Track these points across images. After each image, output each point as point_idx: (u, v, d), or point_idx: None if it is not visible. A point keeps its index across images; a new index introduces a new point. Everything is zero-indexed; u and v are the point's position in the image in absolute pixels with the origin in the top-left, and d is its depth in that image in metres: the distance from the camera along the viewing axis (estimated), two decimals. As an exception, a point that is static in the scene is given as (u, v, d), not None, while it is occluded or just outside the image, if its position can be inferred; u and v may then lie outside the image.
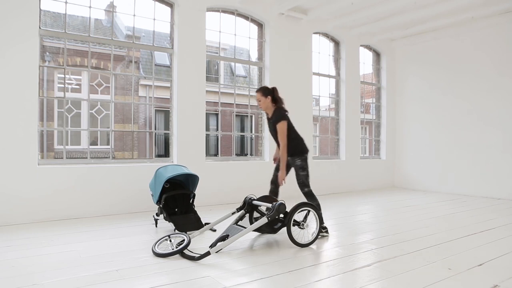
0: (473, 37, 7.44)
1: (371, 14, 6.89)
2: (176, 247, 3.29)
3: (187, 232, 4.00)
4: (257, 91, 4.12)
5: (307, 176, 4.03)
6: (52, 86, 13.23)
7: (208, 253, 3.15)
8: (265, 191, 4.26)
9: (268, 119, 4.19)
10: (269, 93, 4.07)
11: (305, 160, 4.04)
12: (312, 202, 3.90)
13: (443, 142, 7.94)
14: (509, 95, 6.95)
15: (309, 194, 4.01)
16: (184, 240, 3.38)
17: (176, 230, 4.02)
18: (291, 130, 4.02)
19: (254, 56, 7.46)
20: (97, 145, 14.00)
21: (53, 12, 10.69)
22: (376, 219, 5.12)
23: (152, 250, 3.30)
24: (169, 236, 3.50)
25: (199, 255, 3.13)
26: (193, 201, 4.40)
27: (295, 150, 4.02)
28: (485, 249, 3.58)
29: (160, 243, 3.43)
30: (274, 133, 4.10)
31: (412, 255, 3.34)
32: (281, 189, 4.26)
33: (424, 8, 6.54)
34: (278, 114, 4.00)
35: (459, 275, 2.84)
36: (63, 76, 13.03)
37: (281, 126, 3.94)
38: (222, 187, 6.12)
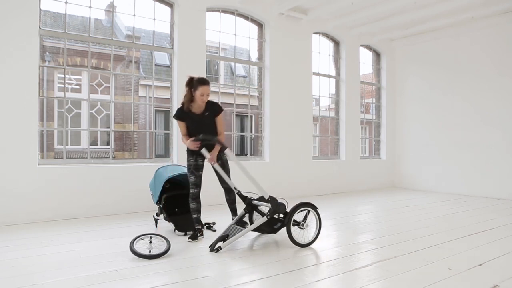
0: (473, 37, 7.44)
1: (371, 14, 6.89)
2: (151, 252, 3.22)
3: (187, 233, 4.01)
4: (207, 84, 3.74)
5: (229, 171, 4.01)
6: (52, 86, 13.23)
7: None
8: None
9: (197, 115, 3.83)
10: None
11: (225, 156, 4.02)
12: (230, 196, 4.01)
13: (443, 142, 7.94)
14: (509, 95, 6.95)
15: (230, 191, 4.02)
16: (164, 246, 3.30)
17: (176, 231, 4.02)
18: None
19: (254, 56, 7.46)
20: (97, 145, 14.00)
21: (53, 12, 10.69)
22: (376, 219, 5.12)
23: (130, 245, 3.22)
24: (150, 237, 3.40)
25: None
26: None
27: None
28: (485, 249, 3.58)
29: (140, 240, 3.35)
30: (210, 126, 3.86)
31: (412, 255, 3.34)
32: (281, 189, 4.26)
33: (424, 8, 6.54)
34: (215, 104, 3.94)
35: (459, 275, 2.84)
36: (63, 76, 13.03)
37: (222, 117, 3.97)
38: (221, 187, 6.10)
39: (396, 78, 8.94)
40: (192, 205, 3.89)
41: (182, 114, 3.86)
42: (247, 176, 3.59)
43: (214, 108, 3.91)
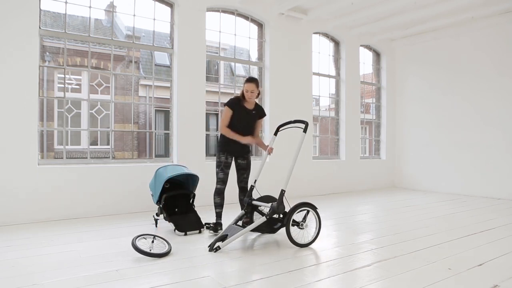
0: (473, 37, 7.44)
1: (371, 14, 6.89)
2: (151, 250, 3.23)
3: (187, 233, 4.01)
4: (253, 82, 4.07)
5: (217, 173, 4.18)
6: (52, 86, 13.23)
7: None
8: (265, 191, 4.26)
9: (248, 110, 4.15)
10: (259, 85, 4.17)
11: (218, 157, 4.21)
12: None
13: (443, 142, 7.94)
14: (509, 95, 6.95)
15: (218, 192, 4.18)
16: (165, 248, 3.31)
17: (176, 231, 4.02)
18: None
19: (254, 56, 7.46)
20: (97, 145, 14.00)
21: (53, 12, 10.68)
22: (376, 219, 5.12)
23: (133, 241, 3.23)
24: (154, 237, 3.41)
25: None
26: (193, 201, 4.40)
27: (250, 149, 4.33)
28: (485, 249, 3.58)
29: (142, 238, 3.37)
30: (251, 124, 4.19)
31: (412, 255, 3.34)
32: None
33: (424, 8, 6.54)
34: (263, 109, 4.31)
35: (459, 275, 2.84)
36: (63, 76, 13.03)
37: (262, 122, 4.39)
38: (222, 187, 6.11)
39: (396, 78, 8.94)
40: (216, 199, 4.15)
41: (235, 104, 4.13)
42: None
43: (261, 111, 4.28)
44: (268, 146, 4.06)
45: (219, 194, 4.15)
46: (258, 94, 4.14)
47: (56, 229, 4.21)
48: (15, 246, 3.53)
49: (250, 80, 4.09)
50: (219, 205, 4.16)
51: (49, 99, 12.58)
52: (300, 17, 6.99)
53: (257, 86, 4.08)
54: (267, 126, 6.83)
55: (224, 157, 4.13)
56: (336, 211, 5.69)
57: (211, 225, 4.24)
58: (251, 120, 4.18)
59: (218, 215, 4.16)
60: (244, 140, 4.04)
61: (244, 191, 4.18)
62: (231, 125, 4.10)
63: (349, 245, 3.71)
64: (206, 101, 6.09)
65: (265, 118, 4.45)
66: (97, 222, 4.64)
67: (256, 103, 4.24)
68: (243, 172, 4.23)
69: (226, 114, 4.08)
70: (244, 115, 4.13)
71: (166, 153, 5.95)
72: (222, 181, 4.15)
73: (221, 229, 4.02)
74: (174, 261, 3.13)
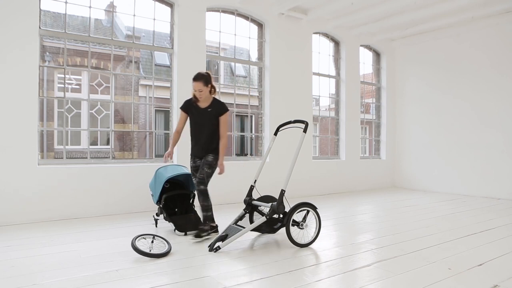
0: (473, 37, 7.45)
1: (371, 14, 6.89)
2: (151, 250, 3.23)
3: (187, 233, 4.01)
4: (196, 80, 3.79)
5: (210, 174, 3.89)
6: (52, 86, 13.23)
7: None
8: (265, 191, 4.26)
9: (201, 109, 3.91)
10: (210, 81, 3.86)
11: (216, 159, 3.91)
12: (204, 202, 3.79)
13: (443, 142, 7.94)
14: (509, 96, 6.95)
15: (204, 193, 3.81)
16: (165, 248, 3.32)
17: (176, 231, 4.02)
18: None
19: (254, 56, 7.46)
20: (97, 145, 14.00)
21: (53, 12, 10.68)
22: (376, 219, 5.12)
23: (132, 241, 3.23)
24: (153, 237, 3.42)
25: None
26: (193, 201, 4.40)
27: (216, 147, 3.92)
28: (485, 249, 3.58)
29: (142, 238, 3.38)
30: (209, 124, 3.89)
31: (412, 255, 3.34)
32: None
33: (424, 8, 6.54)
34: (221, 104, 3.96)
35: (459, 275, 2.84)
36: (63, 76, 13.03)
37: (226, 118, 3.94)
38: (222, 187, 6.11)
39: (396, 78, 8.94)
40: (199, 201, 3.87)
41: (187, 105, 4.00)
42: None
43: (219, 107, 3.93)
44: (220, 164, 3.85)
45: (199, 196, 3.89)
46: (212, 89, 3.88)
47: (56, 229, 4.21)
48: (15, 246, 3.53)
49: (196, 78, 3.81)
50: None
51: (49, 99, 12.58)
52: (300, 17, 6.99)
53: (206, 83, 3.80)
54: (267, 126, 6.83)
55: (192, 161, 4.07)
56: (336, 211, 5.69)
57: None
58: (207, 120, 3.89)
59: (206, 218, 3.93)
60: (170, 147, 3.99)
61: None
62: (190, 126, 4.00)
63: (349, 245, 3.71)
64: (206, 101, 6.08)
65: (226, 114, 3.93)
66: (97, 222, 4.64)
67: (214, 99, 3.96)
68: (201, 167, 3.89)
69: (180, 117, 4.03)
70: (198, 116, 3.92)
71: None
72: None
73: (207, 234, 3.80)
74: (174, 261, 3.13)
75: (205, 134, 3.92)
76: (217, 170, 3.91)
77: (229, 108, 4.02)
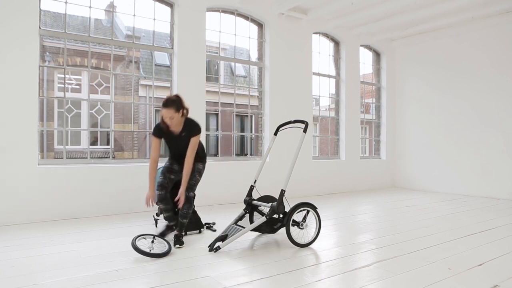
0: (473, 37, 7.45)
1: (371, 14, 6.89)
2: (151, 250, 3.23)
3: (187, 233, 4.01)
4: (166, 107, 3.44)
5: (199, 182, 3.81)
6: (52, 86, 13.24)
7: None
8: (265, 191, 4.26)
9: (174, 135, 3.65)
10: (181, 105, 3.55)
11: (204, 167, 3.91)
12: (188, 210, 3.65)
13: (443, 142, 7.95)
14: (509, 96, 6.95)
15: (191, 201, 3.68)
16: (165, 248, 3.32)
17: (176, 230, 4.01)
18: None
19: (254, 56, 7.46)
20: (97, 145, 14.00)
21: (53, 12, 10.69)
22: (376, 219, 5.12)
23: (132, 241, 3.23)
24: (154, 237, 3.42)
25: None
26: (193, 201, 4.40)
27: (202, 156, 3.88)
28: (485, 249, 3.58)
29: (142, 238, 3.38)
30: (183, 146, 3.65)
31: (412, 255, 3.35)
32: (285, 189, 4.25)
33: (424, 8, 6.54)
34: (194, 126, 3.65)
35: (459, 275, 2.84)
36: (63, 76, 13.04)
37: (196, 140, 3.64)
38: (222, 187, 6.12)
39: (396, 78, 8.94)
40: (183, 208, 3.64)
41: (159, 132, 3.65)
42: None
43: (191, 130, 3.64)
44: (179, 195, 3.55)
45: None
46: (184, 113, 3.59)
47: (56, 229, 4.21)
48: (15, 246, 3.53)
49: (166, 104, 3.46)
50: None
51: (49, 99, 12.58)
52: (300, 17, 6.99)
53: (177, 108, 3.49)
54: (267, 126, 6.84)
55: (169, 163, 3.87)
56: (336, 211, 5.69)
57: (211, 225, 4.25)
58: (184, 146, 3.65)
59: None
60: (149, 190, 3.60)
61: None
62: (169, 149, 3.81)
63: (349, 245, 3.71)
64: (206, 101, 6.09)
65: (197, 136, 3.67)
66: (97, 222, 4.64)
67: (186, 121, 3.66)
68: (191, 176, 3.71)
69: (153, 144, 3.65)
70: (173, 142, 3.73)
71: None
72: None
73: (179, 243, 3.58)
74: (174, 261, 3.13)
75: (184, 155, 3.67)
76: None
77: (201, 130, 3.73)
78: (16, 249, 3.41)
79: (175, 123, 3.55)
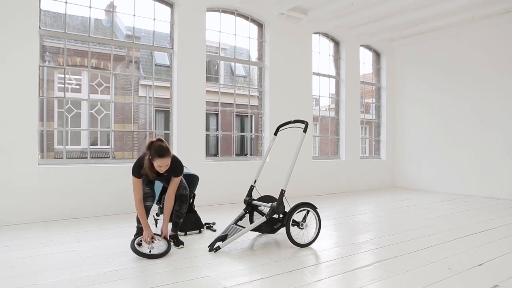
0: (473, 37, 7.45)
1: (371, 14, 6.89)
2: (151, 251, 3.24)
3: (187, 232, 4.01)
4: (163, 157, 3.26)
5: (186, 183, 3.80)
6: (52, 86, 13.24)
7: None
8: (265, 191, 4.26)
9: (159, 174, 3.46)
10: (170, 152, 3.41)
11: (189, 189, 3.92)
12: (183, 209, 3.65)
13: (443, 142, 7.95)
14: (509, 96, 6.95)
15: (186, 200, 3.71)
16: (164, 247, 3.33)
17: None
18: None
19: (254, 56, 7.46)
20: (97, 145, 14.01)
21: (53, 12, 10.68)
22: (376, 219, 5.12)
23: (131, 243, 3.25)
24: (154, 237, 3.41)
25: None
26: (193, 201, 4.40)
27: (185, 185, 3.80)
28: (485, 249, 3.58)
29: (141, 238, 3.40)
30: (164, 182, 3.72)
31: (412, 255, 3.34)
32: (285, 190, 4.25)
33: (424, 8, 6.54)
34: (179, 167, 3.53)
35: (459, 275, 2.84)
36: (63, 76, 13.04)
37: (179, 179, 3.57)
38: (222, 187, 6.12)
39: (396, 78, 8.94)
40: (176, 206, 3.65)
41: (140, 173, 3.43)
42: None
43: (176, 170, 3.50)
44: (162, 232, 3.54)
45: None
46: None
47: (56, 229, 4.21)
48: (15, 246, 3.53)
49: (163, 154, 3.27)
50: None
51: (49, 99, 12.58)
52: (300, 17, 6.99)
53: (170, 155, 3.36)
54: (267, 126, 6.84)
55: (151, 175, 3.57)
56: (336, 211, 5.69)
57: (211, 225, 4.25)
58: (164, 181, 3.68)
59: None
60: (145, 230, 3.41)
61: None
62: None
63: (349, 245, 3.71)
64: (206, 101, 6.09)
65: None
66: (97, 222, 4.64)
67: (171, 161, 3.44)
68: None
69: (135, 184, 3.40)
70: (158, 178, 3.58)
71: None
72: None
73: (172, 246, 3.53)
74: (174, 261, 3.13)
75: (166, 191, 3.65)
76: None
77: (183, 170, 3.62)
78: (16, 249, 3.41)
79: (165, 169, 3.39)
